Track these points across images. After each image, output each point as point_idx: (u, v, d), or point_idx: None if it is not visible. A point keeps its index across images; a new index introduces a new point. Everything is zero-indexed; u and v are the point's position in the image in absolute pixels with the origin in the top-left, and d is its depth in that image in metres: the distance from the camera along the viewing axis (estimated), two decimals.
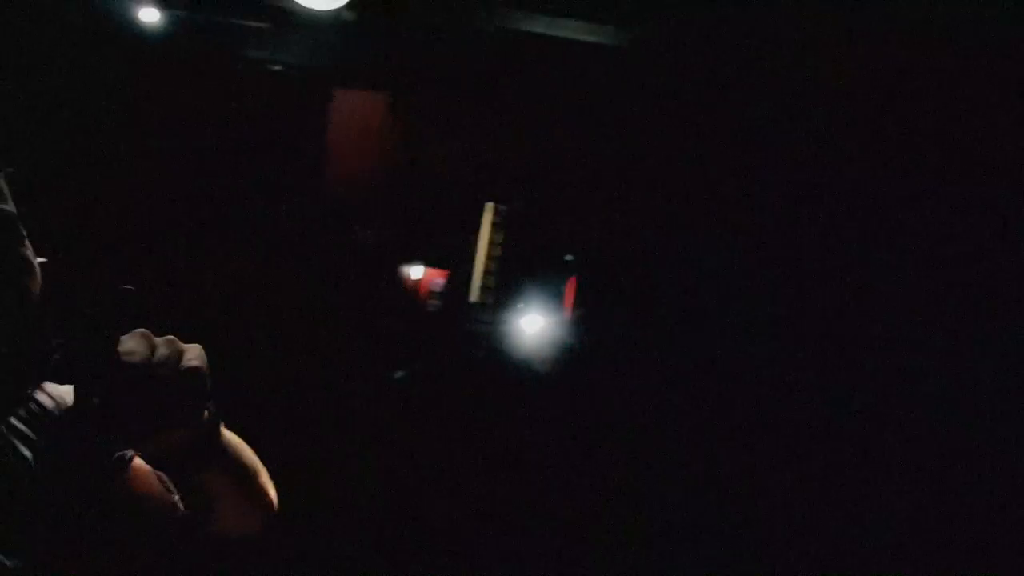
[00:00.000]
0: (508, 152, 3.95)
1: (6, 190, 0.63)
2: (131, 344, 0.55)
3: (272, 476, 0.83)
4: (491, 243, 4.18)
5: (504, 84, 3.72)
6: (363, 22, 3.35)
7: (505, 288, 4.22)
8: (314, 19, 3.35)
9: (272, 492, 0.82)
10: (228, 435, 0.70)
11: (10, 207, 0.62)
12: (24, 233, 0.63)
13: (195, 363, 0.57)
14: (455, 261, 4.22)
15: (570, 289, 4.19)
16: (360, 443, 3.37)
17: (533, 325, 4.12)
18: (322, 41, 3.60)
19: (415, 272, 4.25)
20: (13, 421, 0.66)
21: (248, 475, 0.75)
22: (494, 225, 4.15)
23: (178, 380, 0.56)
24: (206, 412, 0.62)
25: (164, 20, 3.21)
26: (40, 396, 0.70)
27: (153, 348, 0.56)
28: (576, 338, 4.12)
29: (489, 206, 4.13)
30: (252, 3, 3.23)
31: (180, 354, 0.57)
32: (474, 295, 4.22)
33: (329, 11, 3.32)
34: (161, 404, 0.55)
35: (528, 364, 4.12)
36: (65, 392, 0.72)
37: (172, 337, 0.59)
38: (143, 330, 0.57)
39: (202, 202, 3.66)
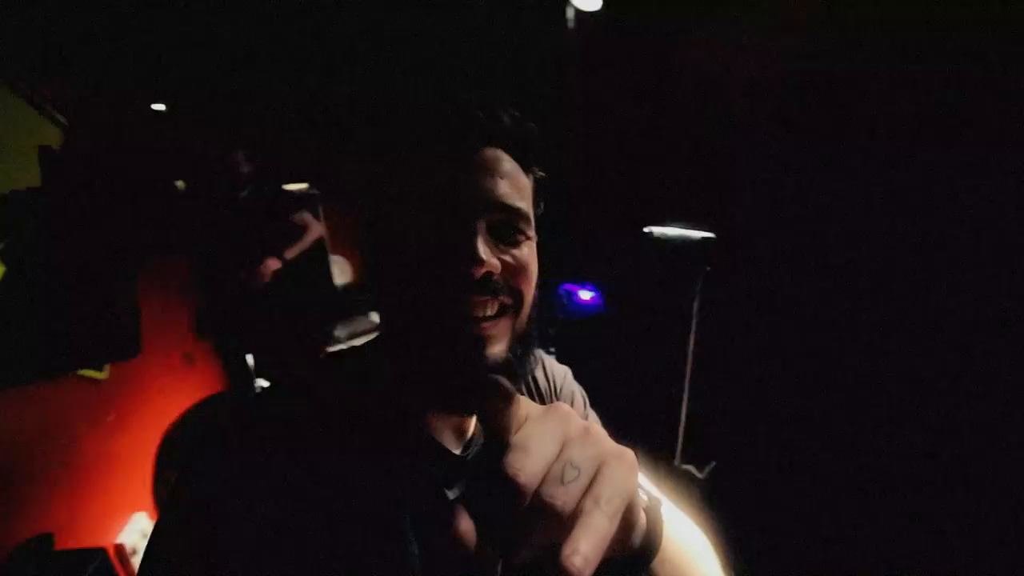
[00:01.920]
0: None
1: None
2: (517, 455, 0.40)
3: None
4: None
5: None
6: None
7: None
8: None
9: None
10: (669, 534, 0.58)
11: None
12: None
13: (615, 495, 0.41)
14: None
15: None
16: None
17: None
18: None
19: None
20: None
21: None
22: None
23: (583, 508, 0.40)
24: (640, 526, 0.51)
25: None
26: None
27: (560, 449, 0.42)
28: None
29: None
30: None
31: (599, 468, 0.42)
32: None
33: None
34: (558, 529, 0.40)
35: None
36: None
37: (595, 431, 0.44)
38: (556, 416, 0.43)
39: None
